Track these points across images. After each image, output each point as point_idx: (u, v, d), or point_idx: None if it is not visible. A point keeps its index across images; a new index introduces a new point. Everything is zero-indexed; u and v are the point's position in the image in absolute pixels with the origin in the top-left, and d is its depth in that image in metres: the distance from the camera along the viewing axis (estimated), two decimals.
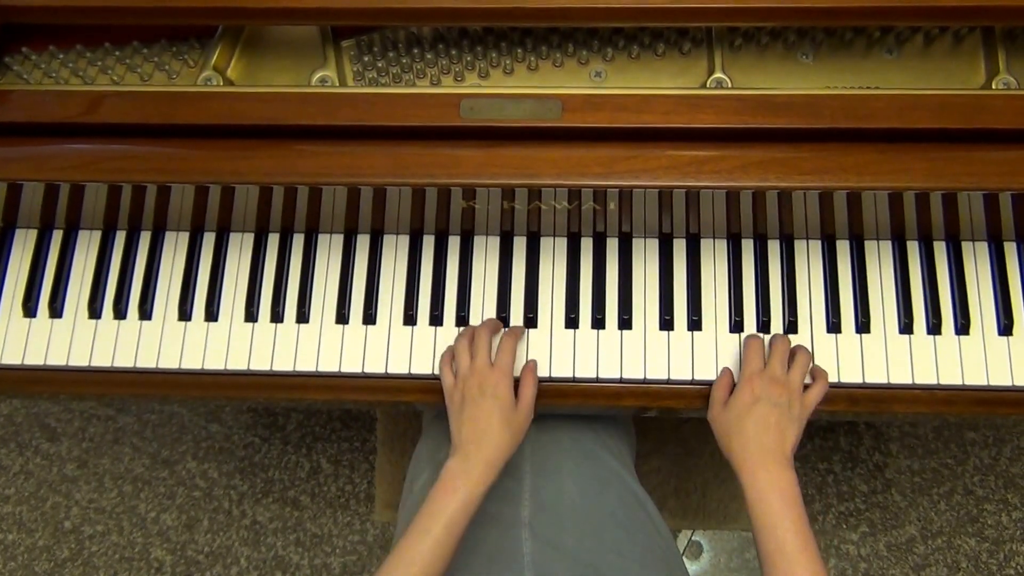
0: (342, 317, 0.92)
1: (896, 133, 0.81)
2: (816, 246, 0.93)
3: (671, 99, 0.82)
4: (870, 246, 0.93)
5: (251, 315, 0.93)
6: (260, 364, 0.91)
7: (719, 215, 0.90)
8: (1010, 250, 0.92)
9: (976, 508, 1.62)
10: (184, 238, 0.96)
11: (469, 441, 0.80)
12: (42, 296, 0.94)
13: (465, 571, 0.80)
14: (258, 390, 0.93)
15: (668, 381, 0.90)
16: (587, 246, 0.94)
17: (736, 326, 0.91)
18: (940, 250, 0.92)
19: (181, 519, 1.67)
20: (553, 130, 0.82)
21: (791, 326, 0.90)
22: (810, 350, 0.89)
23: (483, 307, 0.93)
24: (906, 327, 0.90)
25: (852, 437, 1.66)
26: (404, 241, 0.95)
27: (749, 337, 0.88)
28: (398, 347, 0.92)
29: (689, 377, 0.89)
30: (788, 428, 0.79)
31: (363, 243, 0.95)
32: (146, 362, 0.92)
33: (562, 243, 0.94)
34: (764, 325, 0.91)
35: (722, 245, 0.94)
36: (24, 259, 0.96)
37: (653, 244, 0.94)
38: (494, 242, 0.95)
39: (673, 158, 0.82)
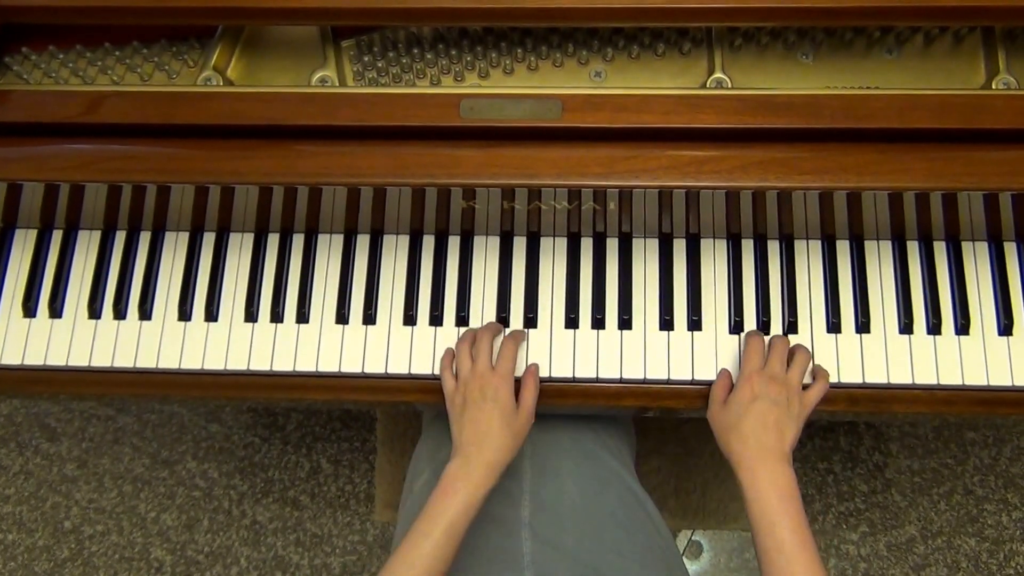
0: (342, 317, 0.92)
1: (896, 133, 0.81)
2: (816, 246, 0.93)
3: (671, 99, 0.82)
4: (870, 246, 0.93)
5: (251, 315, 0.93)
6: (260, 364, 0.91)
7: (719, 215, 0.90)
8: (1010, 250, 0.92)
9: (976, 508, 1.62)
10: (184, 238, 0.96)
11: (470, 444, 0.80)
12: (42, 296, 0.94)
13: (465, 571, 0.80)
14: (258, 390, 0.93)
15: (668, 381, 0.90)
16: (587, 246, 0.94)
17: (736, 326, 0.91)
18: (940, 250, 0.92)
19: (181, 519, 1.67)
20: (553, 130, 0.82)
21: (791, 326, 0.90)
22: (810, 350, 0.89)
23: (483, 307, 0.93)
24: (906, 327, 0.90)
25: (852, 437, 1.66)
26: (404, 241, 0.95)
27: (750, 334, 0.88)
28: (398, 347, 0.92)
29: (689, 377, 0.89)
30: (787, 426, 0.79)
31: (363, 243, 0.95)
32: (146, 362, 0.92)
33: (562, 243, 0.94)
34: (764, 325, 0.91)
35: (722, 245, 0.94)
36: (24, 259, 0.96)
37: (653, 244, 0.94)
38: (494, 242, 0.95)
39: (673, 158, 0.82)
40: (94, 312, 0.94)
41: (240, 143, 0.84)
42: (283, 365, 0.91)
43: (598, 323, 0.91)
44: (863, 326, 0.90)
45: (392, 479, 1.22)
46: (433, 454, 0.97)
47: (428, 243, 0.95)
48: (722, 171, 0.82)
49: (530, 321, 0.92)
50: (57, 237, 0.97)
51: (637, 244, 0.94)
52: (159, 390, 0.93)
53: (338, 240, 0.95)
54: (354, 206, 0.91)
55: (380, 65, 0.91)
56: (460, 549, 0.76)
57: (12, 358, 0.92)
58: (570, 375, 0.90)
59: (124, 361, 0.92)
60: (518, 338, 0.89)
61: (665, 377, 0.90)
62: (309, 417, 1.73)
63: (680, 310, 0.92)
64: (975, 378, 0.88)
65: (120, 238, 0.97)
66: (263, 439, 1.72)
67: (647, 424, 1.22)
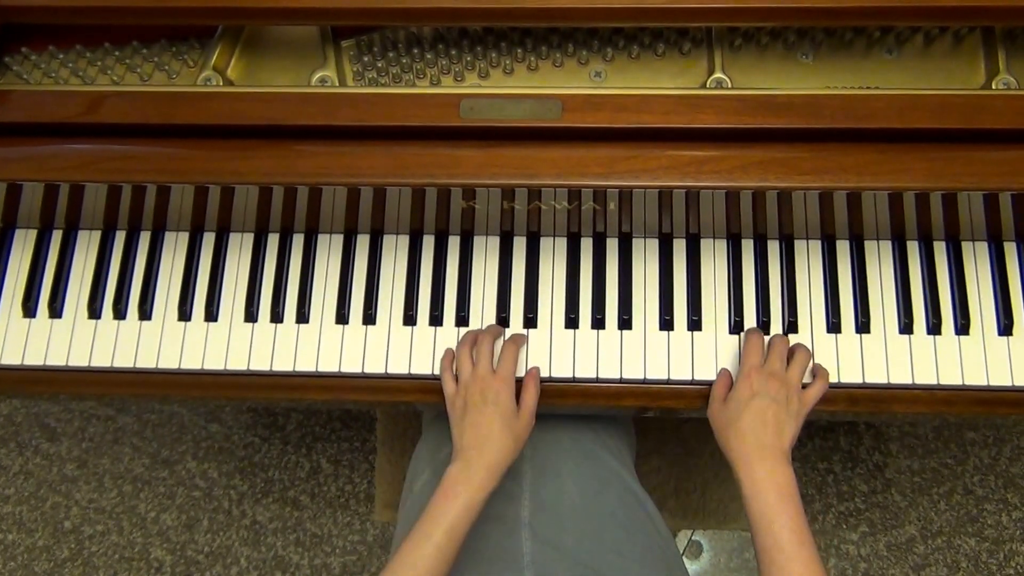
0: (342, 317, 0.92)
1: (896, 133, 0.81)
2: (816, 246, 0.93)
3: (671, 99, 0.82)
4: (870, 246, 0.93)
5: (251, 315, 0.93)
6: (260, 364, 0.91)
7: (719, 215, 0.90)
8: (1010, 250, 0.92)
9: (976, 508, 1.62)
10: (184, 238, 0.96)
11: (471, 447, 0.80)
12: (42, 296, 0.94)
13: (465, 571, 0.80)
14: (258, 390, 0.93)
15: (668, 381, 0.90)
16: (587, 246, 0.94)
17: (736, 326, 0.91)
18: (940, 250, 0.92)
19: (181, 519, 1.67)
20: (553, 130, 0.82)
21: (791, 326, 0.90)
22: (810, 350, 0.89)
23: (483, 307, 0.93)
24: (906, 327, 0.90)
25: (852, 437, 1.66)
26: (404, 241, 0.95)
27: (749, 331, 0.88)
28: (398, 347, 0.92)
29: (689, 377, 0.89)
30: (786, 424, 0.79)
31: (363, 243, 0.95)
32: (146, 362, 0.92)
33: (562, 243, 0.94)
34: (764, 325, 0.91)
35: (722, 245, 0.94)
36: (24, 259, 0.96)
37: (653, 244, 0.94)
38: (494, 242, 0.95)
39: (673, 158, 0.82)
40: (94, 312, 0.94)
41: (240, 143, 0.84)
42: (283, 365, 0.91)
43: (598, 323, 0.91)
44: (863, 326, 0.90)
45: (392, 479, 1.22)
46: (433, 454, 0.97)
47: (428, 243, 0.95)
48: (722, 171, 0.82)
49: (530, 321, 0.92)
50: (57, 237, 0.97)
51: (637, 244, 0.94)
52: (159, 390, 0.93)
53: (338, 240, 0.95)
54: (354, 206, 0.91)
55: (380, 65, 0.90)
56: (460, 549, 0.76)
57: (12, 358, 0.92)
58: (570, 375, 0.90)
59: (124, 361, 0.92)
60: (519, 341, 0.90)
61: (665, 377, 0.90)
62: (309, 417, 1.73)
63: (680, 310, 0.92)
64: (975, 378, 0.88)
65: (120, 238, 0.97)
66: (263, 439, 1.72)
67: (647, 424, 1.22)
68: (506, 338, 0.90)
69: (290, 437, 1.72)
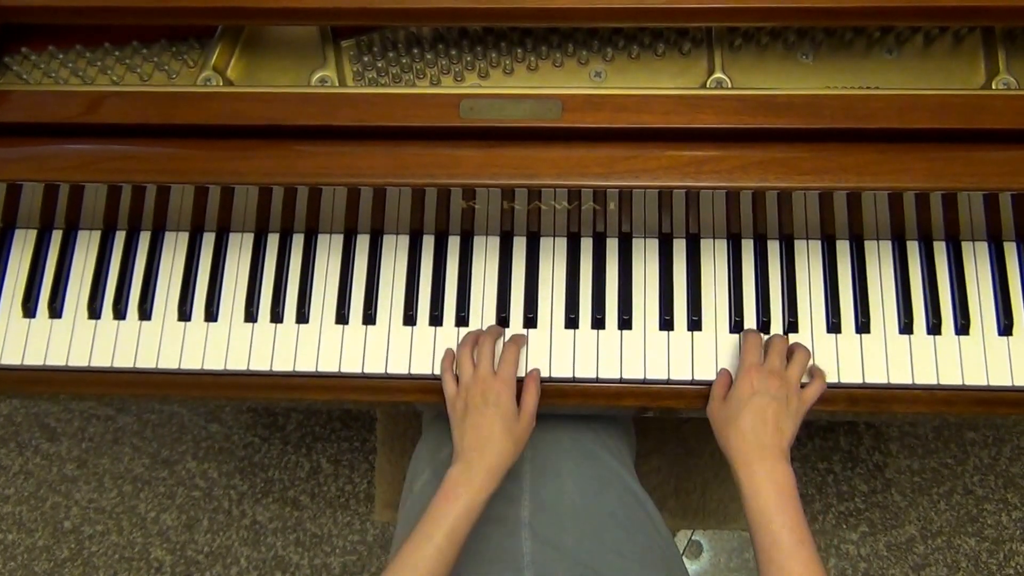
0: (342, 317, 0.92)
1: (896, 133, 0.81)
2: (816, 246, 0.93)
3: (671, 99, 0.82)
4: (870, 246, 0.93)
5: (251, 315, 0.93)
6: (260, 364, 0.91)
7: (719, 215, 0.90)
8: (1010, 250, 0.92)
9: (976, 508, 1.62)
10: (184, 238, 0.96)
11: (471, 449, 0.80)
12: (41, 296, 0.94)
13: (465, 571, 0.80)
14: (258, 390, 0.93)
15: (668, 381, 0.90)
16: (587, 246, 0.94)
17: (736, 326, 0.91)
18: (940, 250, 0.92)
19: (181, 519, 1.67)
20: (553, 130, 0.82)
21: (791, 326, 0.90)
22: (810, 350, 0.89)
23: (483, 307, 0.93)
24: (906, 327, 0.90)
25: (852, 437, 1.66)
26: (404, 241, 0.95)
27: (747, 331, 0.88)
28: (398, 347, 0.92)
29: (689, 377, 0.89)
30: (785, 422, 0.79)
31: (363, 243, 0.95)
32: (146, 362, 0.92)
33: (562, 243, 0.94)
34: (764, 325, 0.91)
35: (722, 245, 0.94)
36: (24, 259, 0.96)
37: (653, 244, 0.94)
38: (494, 242, 0.95)
39: (673, 158, 0.82)
40: (94, 312, 0.94)
41: (240, 143, 0.84)
42: (283, 365, 0.91)
43: (598, 323, 0.91)
44: (863, 326, 0.90)
45: (392, 479, 1.22)
46: (433, 454, 0.97)
47: (428, 243, 0.95)
48: (722, 171, 0.82)
49: (530, 321, 0.92)
50: (57, 237, 0.97)
51: (637, 244, 0.94)
52: (159, 390, 0.93)
53: (338, 240, 0.95)
54: (354, 206, 0.91)
55: (380, 65, 0.90)
56: (461, 550, 0.76)
57: (12, 358, 0.92)
58: (570, 375, 0.90)
59: (124, 361, 0.92)
60: (519, 342, 0.90)
61: (665, 377, 0.90)
62: (309, 417, 1.73)
63: (680, 310, 0.92)
64: (975, 378, 0.88)
65: (120, 238, 0.97)
66: (263, 439, 1.72)
67: (647, 424, 1.22)
68: (507, 339, 0.90)
69: (290, 437, 1.72)
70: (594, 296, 0.92)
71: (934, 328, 0.89)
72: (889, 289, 0.91)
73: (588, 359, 0.91)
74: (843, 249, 0.93)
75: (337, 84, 0.90)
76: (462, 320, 0.92)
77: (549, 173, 0.83)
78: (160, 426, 1.74)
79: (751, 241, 0.93)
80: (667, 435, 1.22)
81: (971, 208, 0.86)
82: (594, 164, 0.82)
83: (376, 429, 1.32)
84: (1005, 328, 0.89)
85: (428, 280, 0.94)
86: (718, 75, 0.88)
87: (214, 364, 0.92)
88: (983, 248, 0.92)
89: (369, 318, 0.92)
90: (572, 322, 0.91)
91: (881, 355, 0.89)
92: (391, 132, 0.84)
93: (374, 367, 0.91)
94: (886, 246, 0.93)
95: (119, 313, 0.93)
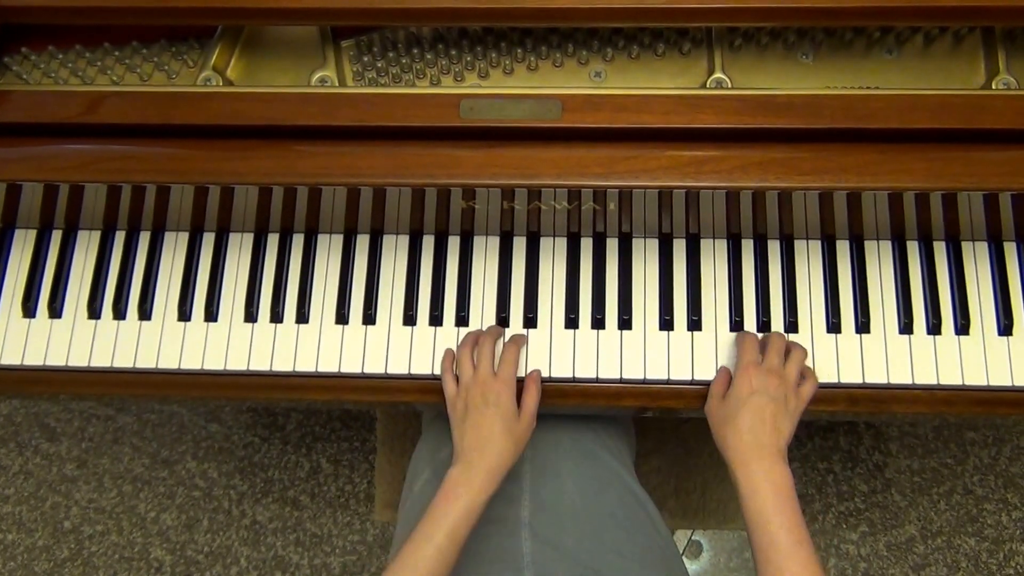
0: (342, 317, 0.92)
1: (896, 133, 0.81)
2: (816, 246, 0.93)
3: (671, 99, 0.82)
4: (870, 246, 0.93)
5: (251, 315, 0.93)
6: (260, 364, 0.91)
7: (719, 215, 0.90)
8: (1010, 250, 0.92)
9: (976, 508, 1.62)
10: (184, 238, 0.96)
11: (472, 449, 0.80)
12: (41, 296, 0.94)
13: (465, 571, 0.80)
14: (258, 390, 0.93)
15: (668, 381, 0.90)
16: (587, 246, 0.94)
17: (736, 326, 0.91)
18: (940, 250, 0.92)
19: (181, 519, 1.67)
20: (553, 130, 0.82)
21: (791, 326, 0.90)
22: (810, 350, 0.89)
23: (483, 307, 0.93)
24: (906, 327, 0.90)
25: (852, 437, 1.66)
26: (404, 241, 0.95)
27: (743, 333, 0.88)
28: (398, 347, 0.92)
29: (689, 377, 0.89)
30: (783, 422, 0.79)
31: (363, 243, 0.95)
32: (145, 362, 0.92)
33: (562, 243, 0.94)
34: (764, 325, 0.91)
35: (722, 245, 0.94)
36: (23, 259, 0.96)
37: (653, 244, 0.94)
38: (494, 242, 0.95)
39: (673, 158, 0.82)
40: (94, 312, 0.94)
41: (240, 143, 0.84)
42: (283, 365, 0.91)
43: (598, 323, 0.91)
44: (863, 326, 0.90)
45: (392, 479, 1.22)
46: (433, 454, 0.97)
47: (428, 243, 0.95)
48: (722, 171, 0.82)
49: (530, 321, 0.92)
50: (57, 237, 0.97)
51: (637, 244, 0.94)
52: (159, 390, 0.93)
53: (338, 240, 0.95)
54: (354, 206, 0.91)
55: (380, 65, 0.90)
56: (461, 551, 0.76)
57: (12, 358, 0.92)
58: (570, 375, 0.90)
59: (124, 361, 0.92)
60: (520, 343, 0.89)
61: (665, 377, 0.90)
62: (309, 417, 1.73)
63: (680, 310, 0.92)
64: (975, 378, 0.88)
65: (120, 238, 0.97)
66: (263, 439, 1.72)
67: (647, 424, 1.22)
68: (507, 339, 0.90)
69: (290, 437, 1.72)
70: (594, 296, 0.92)
71: (934, 328, 0.89)
72: (889, 289, 0.91)
73: (588, 359, 0.91)
74: (843, 249, 0.93)
75: (337, 84, 0.90)
76: (462, 320, 0.92)
77: (549, 173, 0.83)
78: (160, 426, 1.74)
79: (751, 241, 0.93)
80: (667, 435, 1.22)
81: (971, 208, 0.86)
82: (594, 164, 0.82)
83: (376, 429, 1.32)
84: (1005, 328, 0.89)
85: (428, 280, 0.94)
86: (718, 75, 0.88)
87: (214, 364, 0.92)
88: (983, 248, 0.92)
89: (369, 318, 0.92)
90: (572, 322, 0.91)
91: (881, 355, 0.89)
92: (391, 132, 0.84)
93: (374, 367, 0.91)
94: (886, 246, 0.93)
95: (119, 313, 0.93)
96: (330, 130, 0.84)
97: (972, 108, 0.81)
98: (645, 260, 0.93)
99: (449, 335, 0.92)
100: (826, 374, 0.89)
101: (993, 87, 0.86)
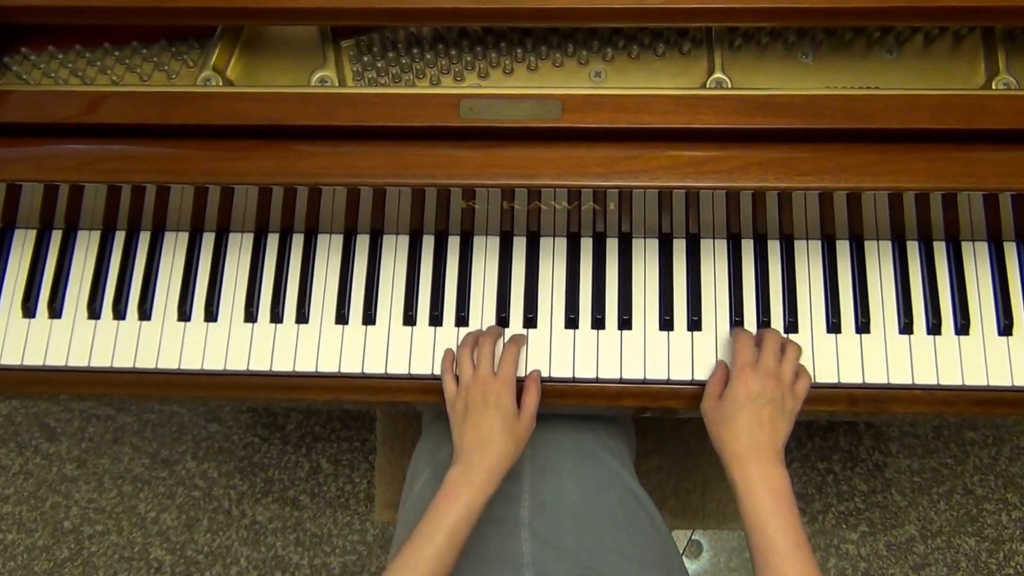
0: (342, 317, 0.92)
1: (896, 133, 0.81)
2: (816, 246, 0.93)
3: (671, 99, 0.82)
4: (870, 246, 0.93)
5: (250, 315, 0.93)
6: (259, 364, 0.91)
7: (719, 215, 0.90)
8: (1010, 250, 0.92)
9: (976, 508, 1.62)
10: (183, 238, 0.96)
11: (472, 449, 0.80)
12: (41, 296, 0.94)
13: (465, 571, 0.80)
14: (258, 390, 0.93)
15: (668, 381, 0.90)
16: (587, 246, 0.94)
17: (736, 326, 0.91)
18: (940, 250, 0.92)
19: (181, 519, 1.67)
20: (553, 130, 0.82)
21: (791, 326, 0.90)
22: (810, 350, 0.89)
23: (483, 307, 0.93)
24: (906, 327, 0.90)
25: (852, 437, 1.66)
26: (404, 241, 0.95)
27: (737, 330, 0.88)
28: (398, 347, 0.92)
29: (689, 377, 0.89)
30: (780, 423, 0.79)
31: (363, 243, 0.95)
32: (145, 362, 0.92)
33: (562, 243, 0.94)
34: (764, 325, 0.91)
35: (722, 245, 0.94)
36: (23, 259, 0.96)
37: (653, 244, 0.94)
38: (494, 242, 0.95)
39: (673, 158, 0.82)
40: (93, 312, 0.94)
41: (240, 143, 0.84)
42: (283, 365, 0.91)
43: (598, 323, 0.91)
44: (863, 326, 0.90)
45: (392, 479, 1.22)
46: (433, 454, 0.97)
47: (428, 243, 0.95)
48: (722, 171, 0.82)
49: (530, 321, 0.92)
50: (56, 237, 0.97)
51: (637, 244, 0.94)
52: (159, 390, 0.93)
53: (338, 240, 0.95)
54: (354, 206, 0.91)
55: (380, 65, 0.90)
56: (461, 551, 0.76)
57: (11, 358, 0.92)
58: (570, 375, 0.90)
59: (124, 361, 0.92)
60: (519, 343, 0.89)
61: (665, 377, 0.90)
62: (309, 417, 1.73)
63: (680, 310, 0.92)
64: (975, 378, 0.88)
65: (119, 238, 0.97)
66: (263, 439, 1.72)
67: (647, 424, 1.22)
68: (506, 339, 0.90)
69: (290, 437, 1.72)
70: (594, 296, 0.92)
71: (934, 328, 0.89)
72: (889, 289, 0.91)
73: (588, 359, 0.91)
74: (843, 249, 0.93)
75: (337, 84, 0.90)
76: (462, 320, 0.92)
77: (549, 173, 0.83)
78: (160, 426, 1.74)
79: (751, 241, 0.93)
80: (667, 435, 1.22)
81: (971, 208, 0.86)
82: (594, 164, 0.82)
83: (376, 429, 1.32)
84: (1005, 328, 0.89)
85: (428, 280, 0.93)
86: (718, 75, 0.88)
87: (214, 364, 0.92)
88: (983, 248, 0.92)
89: (369, 318, 0.92)
90: (572, 322, 0.91)
91: (881, 355, 0.89)
92: (391, 132, 0.84)
93: (374, 367, 0.91)
94: (886, 246, 0.93)
95: (119, 313, 0.93)
96: (330, 130, 0.84)
97: (972, 108, 0.81)
98: (645, 260, 0.93)
99: (449, 335, 0.92)
100: (826, 374, 0.89)
101: (993, 87, 0.86)
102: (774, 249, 0.93)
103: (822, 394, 0.89)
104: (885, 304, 0.91)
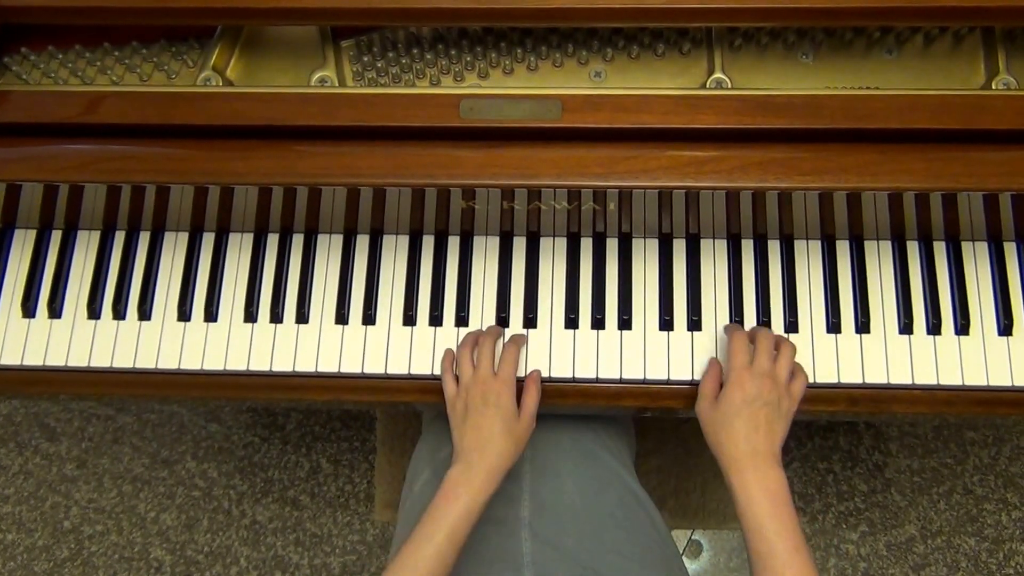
0: (341, 317, 0.92)
1: (896, 133, 0.81)
2: (816, 246, 0.93)
3: (671, 99, 0.82)
4: (870, 246, 0.93)
5: (250, 315, 0.93)
6: (259, 364, 0.91)
7: (719, 215, 0.90)
8: (1010, 250, 0.92)
9: (976, 507, 1.62)
10: (183, 238, 0.96)
11: (472, 449, 0.80)
12: (41, 296, 0.94)
13: (465, 571, 0.80)
14: (258, 390, 0.93)
15: (668, 381, 0.90)
16: (587, 246, 0.94)
17: (731, 324, 0.91)
18: (940, 250, 0.92)
19: (181, 519, 1.67)
20: (553, 130, 0.82)
21: (791, 326, 0.90)
22: (810, 350, 0.89)
23: (483, 307, 0.93)
24: (906, 327, 0.90)
25: (852, 437, 1.66)
26: (404, 241, 0.95)
27: (731, 328, 0.87)
28: (397, 347, 0.92)
29: (689, 377, 0.89)
30: (777, 425, 0.79)
31: (363, 243, 0.95)
32: (145, 363, 0.92)
33: (562, 243, 0.94)
34: (764, 325, 0.91)
35: (722, 245, 0.94)
36: (23, 259, 0.96)
37: (653, 244, 0.94)
38: (494, 242, 0.95)
39: (673, 158, 0.82)
40: (93, 312, 0.94)
41: (239, 143, 0.84)
42: (282, 365, 0.91)
43: (598, 323, 0.91)
44: (863, 326, 0.90)
45: (392, 479, 1.22)
46: (433, 454, 0.97)
47: (428, 243, 0.95)
48: (722, 171, 0.82)
49: (530, 321, 0.92)
50: (56, 237, 0.97)
51: (637, 244, 0.94)
52: (158, 390, 0.93)
53: (338, 240, 0.95)
54: (354, 206, 0.91)
55: (380, 65, 0.90)
56: (461, 551, 0.76)
57: (11, 358, 0.92)
58: (570, 375, 0.90)
59: (123, 361, 0.92)
60: (519, 343, 0.89)
61: (665, 377, 0.90)
62: (309, 417, 1.73)
63: (680, 310, 0.92)
64: (975, 378, 0.88)
65: (119, 238, 0.97)
66: (263, 439, 1.72)
67: (647, 424, 1.22)
68: (506, 339, 0.90)
69: (290, 437, 1.72)
70: (594, 296, 0.92)
71: (934, 328, 0.89)
72: (889, 289, 0.91)
73: (588, 359, 0.91)
74: (843, 249, 0.93)
75: (337, 84, 0.90)
76: (462, 320, 0.92)
77: (549, 173, 0.83)
78: (160, 426, 1.74)
79: (751, 241, 0.93)
80: (667, 435, 1.22)
81: (971, 208, 0.86)
82: (594, 164, 0.82)
83: (376, 429, 1.32)
84: (1005, 328, 0.89)
85: (428, 280, 0.93)
86: (718, 75, 0.88)
87: (214, 364, 0.92)
88: (983, 248, 0.92)
89: (369, 318, 0.92)
90: (572, 322, 0.91)
91: (881, 355, 0.89)
92: (391, 132, 0.84)
93: (374, 367, 0.91)
94: (886, 246, 0.93)
95: (119, 313, 0.93)
96: (330, 130, 0.84)
97: (972, 108, 0.81)
98: (645, 260, 0.93)
99: (449, 335, 0.92)
100: (826, 374, 0.89)
101: (993, 87, 0.86)
102: (774, 249, 0.93)
103: (822, 394, 0.89)
104: (885, 304, 0.91)
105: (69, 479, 1.71)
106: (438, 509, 0.76)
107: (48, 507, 1.69)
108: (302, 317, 0.93)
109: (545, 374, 0.90)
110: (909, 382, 0.88)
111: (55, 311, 0.94)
